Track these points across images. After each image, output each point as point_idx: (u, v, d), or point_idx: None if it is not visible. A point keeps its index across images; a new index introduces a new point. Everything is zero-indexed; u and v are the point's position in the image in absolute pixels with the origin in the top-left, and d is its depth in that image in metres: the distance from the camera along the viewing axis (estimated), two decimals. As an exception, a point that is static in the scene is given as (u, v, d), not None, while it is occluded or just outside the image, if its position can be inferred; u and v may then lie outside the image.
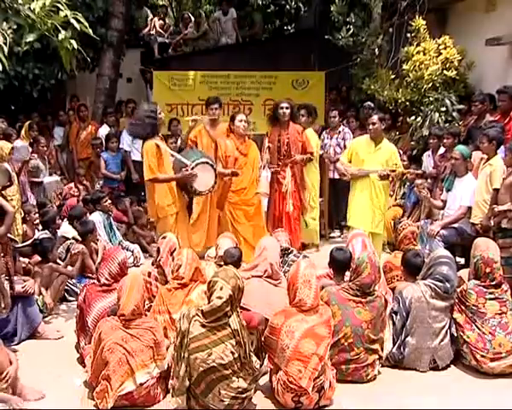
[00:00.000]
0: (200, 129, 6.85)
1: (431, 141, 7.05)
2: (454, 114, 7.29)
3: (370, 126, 5.95)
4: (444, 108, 7.30)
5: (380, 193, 5.91)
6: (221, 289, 3.43)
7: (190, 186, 5.69)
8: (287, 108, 6.51)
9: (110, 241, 6.72)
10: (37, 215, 6.51)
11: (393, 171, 5.82)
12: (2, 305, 4.34)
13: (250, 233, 6.20)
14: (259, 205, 6.48)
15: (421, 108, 7.52)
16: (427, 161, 7.20)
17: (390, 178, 5.93)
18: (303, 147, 6.58)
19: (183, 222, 5.91)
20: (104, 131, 8.71)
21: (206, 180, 5.74)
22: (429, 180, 6.92)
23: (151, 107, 5.83)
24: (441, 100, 7.32)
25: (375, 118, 5.91)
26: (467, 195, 5.86)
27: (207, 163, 5.75)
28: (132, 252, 6.83)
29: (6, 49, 3.76)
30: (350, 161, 6.12)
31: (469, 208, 5.82)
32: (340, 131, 7.75)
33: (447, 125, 7.24)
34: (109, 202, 7.07)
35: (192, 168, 5.60)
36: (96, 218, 6.65)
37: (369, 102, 8.26)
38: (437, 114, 7.29)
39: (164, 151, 5.68)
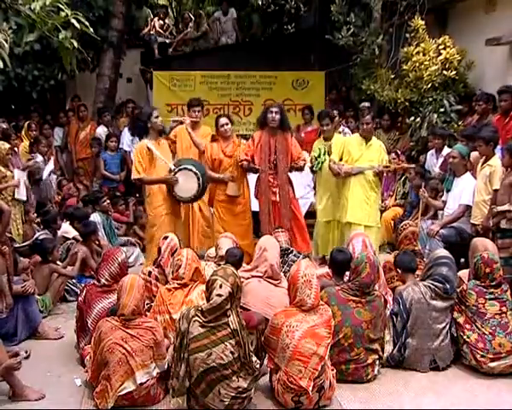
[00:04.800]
0: (181, 130, 6.82)
1: (436, 141, 7.03)
2: (452, 114, 7.29)
3: (364, 126, 6.17)
4: (442, 109, 7.31)
5: (372, 188, 6.12)
6: (220, 286, 3.43)
7: (172, 190, 5.76)
8: (276, 112, 6.11)
9: (110, 242, 6.73)
10: (35, 215, 6.52)
11: (387, 167, 6.13)
12: (4, 304, 4.34)
13: (235, 231, 6.06)
14: (246, 204, 6.42)
15: (421, 108, 7.52)
16: (431, 160, 7.20)
17: (384, 174, 6.20)
18: (291, 156, 6.19)
19: (175, 225, 5.91)
20: (101, 131, 8.72)
21: (188, 187, 5.76)
22: (433, 181, 6.93)
23: (146, 109, 6.01)
24: (439, 100, 7.33)
25: (368, 118, 6.20)
26: (465, 194, 5.89)
27: (191, 170, 5.75)
28: (132, 252, 6.84)
29: (7, 48, 3.77)
30: (340, 159, 6.22)
31: (468, 207, 5.84)
32: (340, 132, 7.74)
33: (445, 125, 7.26)
34: (108, 202, 7.08)
35: (175, 173, 5.68)
36: (96, 219, 6.65)
37: (364, 103, 8.28)
38: (435, 115, 7.30)
39: (155, 154, 5.70)
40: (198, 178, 5.75)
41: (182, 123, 6.74)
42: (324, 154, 6.41)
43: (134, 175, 5.68)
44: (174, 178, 5.66)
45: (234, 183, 6.28)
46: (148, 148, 5.63)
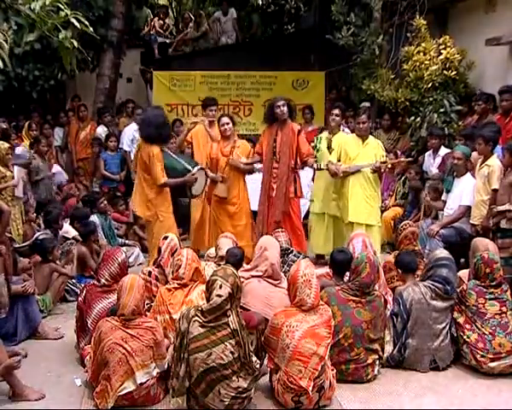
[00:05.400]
0: (196, 130, 6.87)
1: (433, 141, 7.03)
2: (452, 115, 7.29)
3: (361, 125, 6.15)
4: (442, 109, 7.30)
5: (372, 186, 6.10)
6: (220, 287, 3.43)
7: (189, 189, 5.91)
8: (283, 105, 6.19)
9: (109, 243, 6.73)
10: (35, 215, 6.50)
11: (384, 162, 6.06)
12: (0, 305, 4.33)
13: (230, 231, 6.04)
14: (242, 204, 6.44)
15: (421, 108, 7.52)
16: (428, 161, 7.21)
17: (382, 170, 6.13)
18: (297, 149, 6.22)
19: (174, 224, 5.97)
20: (101, 130, 8.72)
21: (200, 184, 6.10)
22: (429, 181, 6.95)
23: (162, 113, 6.02)
24: (439, 100, 7.32)
25: (364, 117, 6.16)
26: (466, 195, 5.89)
27: (202, 168, 6.11)
28: (132, 252, 6.84)
29: (7, 48, 3.77)
30: (339, 160, 6.23)
31: (468, 208, 5.84)
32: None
33: (445, 125, 7.26)
34: (105, 203, 7.07)
35: (193, 173, 5.89)
36: (95, 220, 6.64)
37: (364, 103, 8.27)
38: (435, 115, 7.30)
39: (168, 155, 5.92)
40: (206, 173, 6.16)
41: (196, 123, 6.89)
42: (320, 142, 6.48)
43: (160, 180, 5.60)
44: (194, 177, 5.87)
45: (223, 184, 6.32)
46: (161, 151, 5.70)
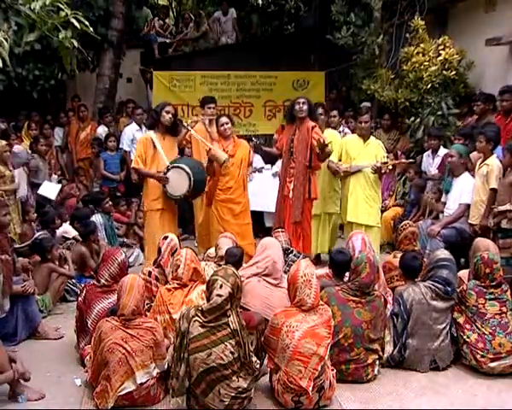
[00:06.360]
0: (196, 129, 6.85)
1: (432, 142, 7.02)
2: (450, 118, 7.29)
3: (363, 124, 6.20)
4: (440, 112, 7.30)
5: (373, 187, 6.11)
6: (220, 287, 3.44)
7: (164, 187, 5.86)
8: (303, 103, 6.08)
9: (111, 243, 6.72)
10: (35, 215, 6.51)
11: (385, 163, 6.09)
12: None
13: (235, 231, 6.05)
14: (246, 204, 6.42)
15: (420, 109, 7.52)
16: (427, 161, 7.21)
17: (383, 170, 6.14)
18: (311, 146, 6.04)
19: (170, 222, 5.98)
20: (101, 131, 8.72)
21: (179, 185, 5.81)
22: (430, 182, 6.95)
23: (163, 102, 6.09)
24: (437, 103, 7.31)
25: (366, 116, 6.22)
26: (465, 193, 5.90)
27: (183, 169, 5.78)
28: (132, 252, 6.84)
29: (7, 47, 3.77)
30: (340, 160, 6.25)
31: (468, 206, 5.84)
32: (340, 132, 7.73)
33: (441, 127, 7.25)
34: (110, 203, 7.08)
35: (167, 170, 5.77)
36: (98, 220, 6.65)
37: (364, 103, 8.28)
38: (432, 118, 7.30)
39: (158, 148, 5.84)
40: (189, 178, 5.78)
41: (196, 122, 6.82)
42: None
43: (133, 164, 5.96)
44: (164, 176, 5.77)
45: (218, 150, 6.17)
46: (152, 140, 5.74)
